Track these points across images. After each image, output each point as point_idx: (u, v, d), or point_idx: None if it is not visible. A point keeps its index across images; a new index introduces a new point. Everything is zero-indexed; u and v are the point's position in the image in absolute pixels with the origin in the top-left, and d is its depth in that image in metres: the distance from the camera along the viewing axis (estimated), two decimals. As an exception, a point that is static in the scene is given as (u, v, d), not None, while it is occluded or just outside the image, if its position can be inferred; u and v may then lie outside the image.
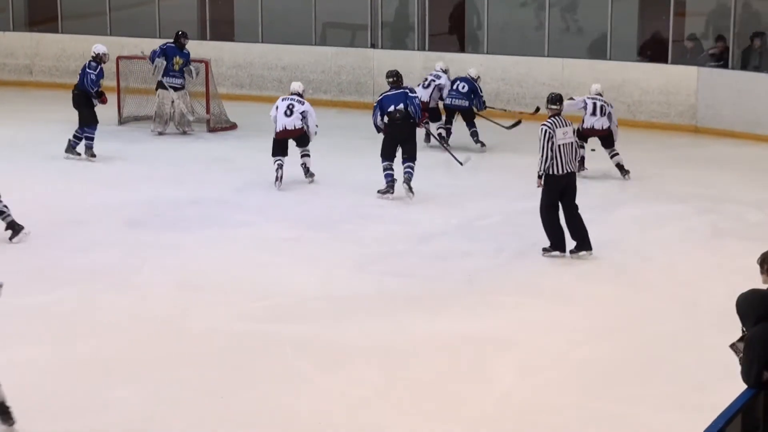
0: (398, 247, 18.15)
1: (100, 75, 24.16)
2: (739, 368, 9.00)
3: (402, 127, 21.31)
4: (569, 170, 17.10)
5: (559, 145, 16.99)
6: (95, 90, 24.00)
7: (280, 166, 22.25)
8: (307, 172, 22.97)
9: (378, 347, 14.06)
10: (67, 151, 23.97)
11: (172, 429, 11.83)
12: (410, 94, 21.98)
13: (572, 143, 17.34)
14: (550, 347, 14.22)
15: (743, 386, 8.77)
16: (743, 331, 9.24)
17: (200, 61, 26.19)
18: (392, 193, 21.33)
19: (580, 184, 18.33)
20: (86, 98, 23.95)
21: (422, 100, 25.18)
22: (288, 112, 22.80)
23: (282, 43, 29.23)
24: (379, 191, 21.34)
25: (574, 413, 12.35)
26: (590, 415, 12.27)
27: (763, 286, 9.16)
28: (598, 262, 17.28)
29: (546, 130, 17.02)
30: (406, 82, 25.29)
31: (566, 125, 17.41)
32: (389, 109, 21.46)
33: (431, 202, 20.55)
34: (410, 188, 21.18)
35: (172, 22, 29.60)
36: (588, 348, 14.24)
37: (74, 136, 24.01)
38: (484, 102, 25.35)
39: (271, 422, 12.11)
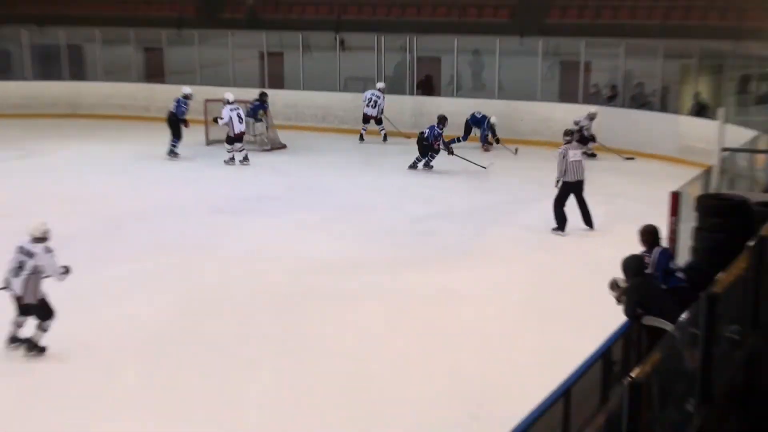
0: (397, 227, 18.31)
1: (188, 108, 24.72)
2: (621, 307, 9.56)
3: (420, 143, 23.02)
4: (578, 179, 17.63)
5: (570, 162, 17.54)
6: (184, 118, 24.60)
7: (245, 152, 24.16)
8: (247, 159, 24.17)
9: (382, 293, 14.52)
10: (168, 154, 24.49)
11: (249, 349, 12.07)
12: (435, 127, 23.01)
13: (581, 161, 17.80)
14: (499, 294, 14.73)
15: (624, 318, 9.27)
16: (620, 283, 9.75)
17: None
18: (414, 168, 23.38)
19: (526, 184, 18.38)
20: (177, 121, 24.52)
21: (370, 115, 26.99)
22: (240, 120, 23.74)
23: (317, 90, 29.18)
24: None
25: (510, 337, 12.82)
26: (522, 335, 12.83)
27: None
28: (533, 238, 17.56)
29: (561, 152, 17.76)
30: (400, 118, 25.85)
31: (577, 149, 18.13)
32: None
33: (423, 198, 20.72)
34: (428, 166, 23.34)
35: (242, 75, 29.73)
36: (524, 293, 14.70)
37: (171, 144, 24.61)
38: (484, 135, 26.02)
39: (308, 342, 12.51)
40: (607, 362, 9.77)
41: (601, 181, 20.13)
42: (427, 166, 23.38)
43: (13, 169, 23.31)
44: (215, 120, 24.37)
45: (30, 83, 31.70)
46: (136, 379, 11.33)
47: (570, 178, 17.58)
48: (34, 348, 11.35)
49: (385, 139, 27.16)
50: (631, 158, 24.55)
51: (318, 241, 17.20)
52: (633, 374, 4.17)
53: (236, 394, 11.00)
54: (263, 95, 26.15)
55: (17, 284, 11.16)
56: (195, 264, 15.90)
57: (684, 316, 5.71)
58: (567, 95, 27.60)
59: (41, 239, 11.30)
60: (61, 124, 29.29)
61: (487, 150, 25.69)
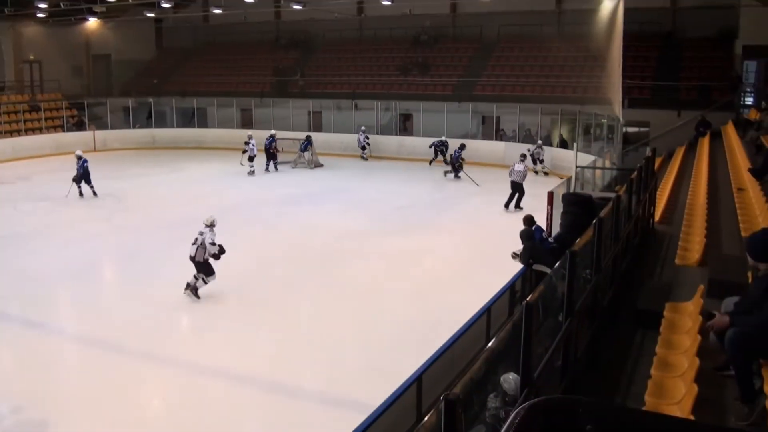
0: (388, 212, 18.09)
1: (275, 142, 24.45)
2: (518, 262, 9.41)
3: (451, 162, 22.65)
4: (515, 180, 17.80)
5: (514, 170, 17.89)
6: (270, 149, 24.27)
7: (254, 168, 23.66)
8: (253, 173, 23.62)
9: (379, 249, 14.39)
10: (266, 170, 24.10)
11: (301, 281, 11.89)
12: (457, 150, 22.66)
13: (520, 171, 17.81)
14: (449, 250, 14.65)
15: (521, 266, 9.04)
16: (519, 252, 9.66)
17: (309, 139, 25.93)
18: (446, 177, 22.64)
19: (464, 187, 18.14)
20: (267, 153, 24.29)
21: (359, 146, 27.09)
22: (254, 149, 23.73)
23: (341, 132, 28.78)
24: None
25: (455, 276, 12.60)
26: (462, 275, 12.56)
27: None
28: (470, 218, 17.36)
29: (513, 164, 18.19)
30: (388, 148, 25.40)
31: (521, 164, 18.15)
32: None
33: (403, 195, 20.36)
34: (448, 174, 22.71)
35: (297, 125, 29.40)
36: (459, 249, 14.54)
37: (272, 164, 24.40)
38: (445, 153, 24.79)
39: (335, 278, 12.41)
40: (512, 292, 9.69)
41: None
42: (456, 176, 22.45)
43: (165, 179, 23.15)
44: (246, 143, 24.06)
45: (175, 129, 31.39)
46: (236, 300, 11.38)
47: (512, 179, 17.81)
48: (195, 291, 11.22)
49: (365, 158, 27.03)
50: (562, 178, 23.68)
51: (342, 220, 17.07)
52: (528, 299, 4.05)
53: (294, 304, 11.12)
54: (308, 137, 25.91)
55: (193, 250, 11.22)
56: (269, 233, 15.77)
57: (557, 264, 5.59)
58: (486, 136, 27.38)
59: (210, 226, 11.29)
60: (193, 153, 29.03)
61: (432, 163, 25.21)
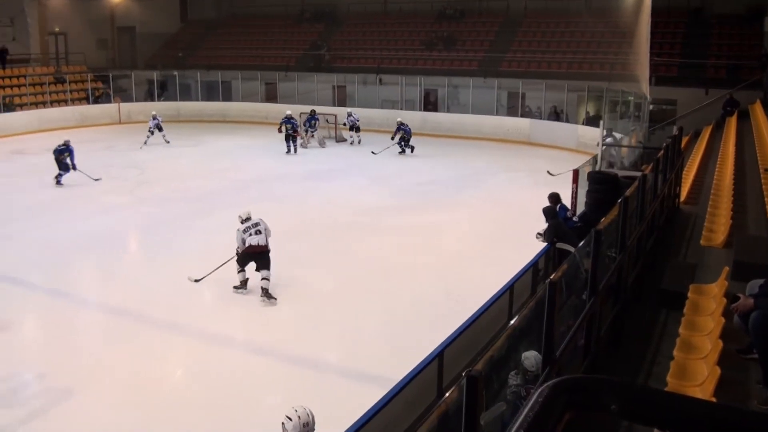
0: (408, 188, 18.02)
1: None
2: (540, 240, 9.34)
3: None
4: None
5: None
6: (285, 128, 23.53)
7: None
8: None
9: (398, 224, 14.36)
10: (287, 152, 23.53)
11: (321, 251, 11.94)
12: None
13: None
14: (467, 227, 14.61)
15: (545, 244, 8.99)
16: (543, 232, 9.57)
17: (332, 114, 25.81)
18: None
19: (487, 165, 18.04)
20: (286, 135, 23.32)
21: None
22: (158, 129, 23.70)
23: (365, 107, 28.18)
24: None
25: (476, 252, 12.56)
26: (484, 252, 12.52)
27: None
28: (490, 195, 17.27)
29: None
30: (412, 124, 24.77)
31: None
32: None
33: (422, 172, 20.27)
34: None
35: (321, 99, 29.31)
36: (481, 226, 14.46)
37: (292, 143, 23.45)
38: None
39: (354, 249, 12.40)
40: (535, 270, 9.65)
41: (524, 158, 19.81)
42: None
43: (188, 152, 23.22)
44: (158, 123, 23.94)
45: (200, 103, 31.45)
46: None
47: None
48: (269, 294, 10.24)
49: (351, 143, 25.03)
50: None
51: (363, 195, 17.08)
52: (552, 277, 4.02)
53: (315, 279, 11.08)
54: (313, 111, 24.87)
55: (263, 239, 10.34)
56: (292, 207, 15.74)
57: (581, 243, 5.55)
58: (511, 111, 26.97)
59: (248, 219, 10.47)
60: (217, 126, 29.13)
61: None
